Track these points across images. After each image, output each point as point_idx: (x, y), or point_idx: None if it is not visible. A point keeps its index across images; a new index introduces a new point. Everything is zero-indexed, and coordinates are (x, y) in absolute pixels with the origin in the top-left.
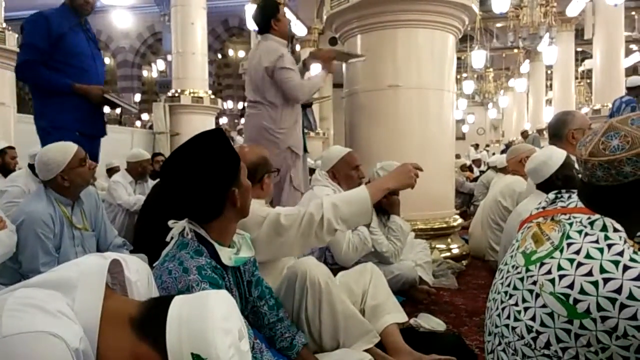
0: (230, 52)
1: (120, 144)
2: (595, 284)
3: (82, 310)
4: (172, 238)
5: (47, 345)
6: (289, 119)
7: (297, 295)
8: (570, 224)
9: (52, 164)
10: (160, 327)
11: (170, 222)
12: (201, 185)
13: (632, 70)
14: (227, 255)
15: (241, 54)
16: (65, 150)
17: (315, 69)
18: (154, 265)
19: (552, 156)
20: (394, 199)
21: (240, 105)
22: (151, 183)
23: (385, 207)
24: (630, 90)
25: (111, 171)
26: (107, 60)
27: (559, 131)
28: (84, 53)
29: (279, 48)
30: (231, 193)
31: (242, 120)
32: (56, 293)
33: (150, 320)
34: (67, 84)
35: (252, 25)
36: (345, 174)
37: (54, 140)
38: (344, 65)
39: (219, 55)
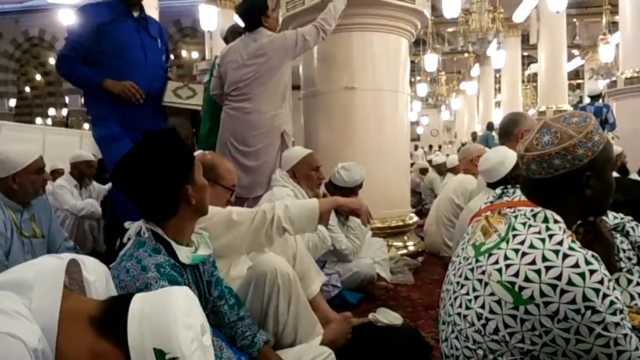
0: (184, 53)
1: (68, 147)
2: (538, 272)
3: (40, 310)
4: (129, 239)
5: (5, 346)
6: (287, 106)
7: (267, 291)
8: (515, 217)
9: (9, 163)
10: (121, 324)
11: (126, 224)
12: (152, 184)
13: (573, 74)
14: (184, 254)
15: (195, 54)
16: (27, 153)
17: None
18: (111, 265)
19: (508, 157)
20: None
21: None
22: (97, 186)
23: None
24: (592, 98)
25: (54, 173)
26: (52, 61)
27: (510, 130)
28: (130, 43)
29: (285, 34)
30: (185, 191)
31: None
32: (11, 294)
33: (111, 317)
34: (96, 81)
35: (206, 26)
36: (305, 174)
37: (101, 131)
38: (300, 67)
39: (172, 56)
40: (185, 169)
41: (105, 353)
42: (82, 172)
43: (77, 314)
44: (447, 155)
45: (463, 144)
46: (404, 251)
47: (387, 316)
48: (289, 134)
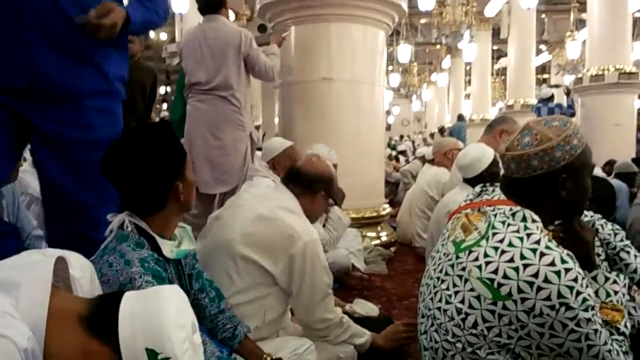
0: (152, 34)
1: None
2: (516, 269)
3: (28, 309)
4: (111, 231)
5: None
6: (248, 104)
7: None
8: (495, 215)
9: None
10: (112, 323)
11: (108, 216)
12: (144, 177)
13: (540, 69)
14: (168, 248)
15: (163, 36)
16: None
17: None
18: (92, 258)
19: (485, 154)
20: (338, 189)
21: (162, 89)
22: None
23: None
24: (545, 101)
25: None
26: None
27: (493, 126)
28: None
29: (240, 29)
30: (175, 187)
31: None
32: None
33: (101, 316)
34: None
35: (177, 8)
36: (285, 166)
37: None
38: None
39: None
40: (177, 164)
41: (97, 352)
42: None
43: (66, 313)
44: (418, 144)
45: (431, 135)
46: (377, 241)
47: (363, 307)
48: (255, 137)
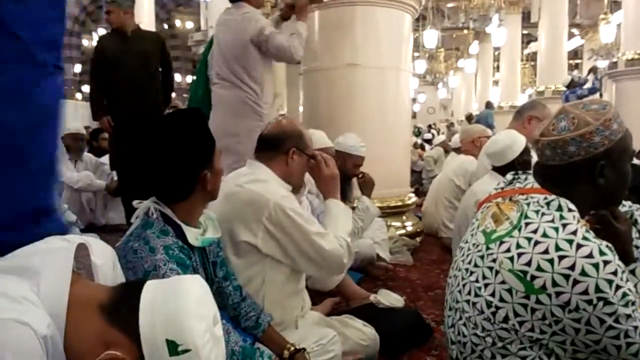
0: (178, 23)
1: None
2: (551, 261)
3: (48, 296)
4: (136, 218)
5: (14, 333)
6: (270, 94)
7: None
8: (528, 204)
9: None
10: (133, 313)
11: (135, 202)
12: (173, 164)
13: (572, 54)
14: (193, 236)
15: (189, 24)
16: None
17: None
18: (117, 245)
19: (517, 141)
20: (369, 179)
21: (188, 78)
22: (91, 158)
23: (360, 186)
24: (568, 87)
25: None
26: None
27: (522, 112)
28: None
29: (257, 17)
30: (203, 175)
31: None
32: (19, 279)
33: (122, 306)
34: None
35: None
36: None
37: None
38: None
39: (166, 26)
40: (207, 153)
41: (116, 342)
42: (67, 146)
43: (86, 301)
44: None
45: (450, 124)
46: (403, 231)
47: (388, 298)
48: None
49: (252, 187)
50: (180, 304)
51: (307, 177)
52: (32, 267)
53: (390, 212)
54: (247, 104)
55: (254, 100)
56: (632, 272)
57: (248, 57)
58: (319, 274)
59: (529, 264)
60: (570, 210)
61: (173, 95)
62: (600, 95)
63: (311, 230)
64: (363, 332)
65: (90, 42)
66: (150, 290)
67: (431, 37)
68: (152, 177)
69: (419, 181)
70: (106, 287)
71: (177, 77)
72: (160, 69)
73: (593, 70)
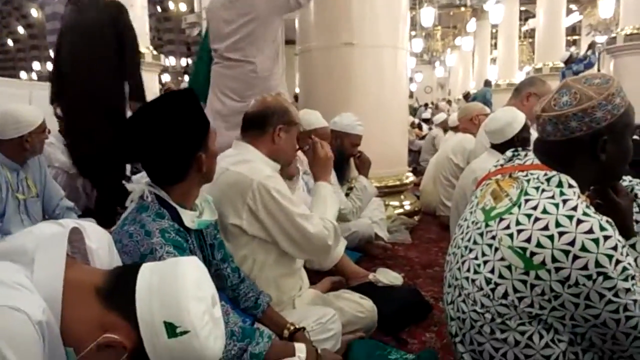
0: (171, 5)
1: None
2: (551, 237)
3: (43, 281)
4: (131, 201)
5: (8, 319)
6: (279, 66)
7: None
8: (528, 181)
9: (24, 123)
10: (130, 296)
11: (129, 186)
12: (168, 146)
13: (570, 30)
14: (189, 218)
15: (182, 7)
16: (37, 113)
17: None
18: (112, 229)
19: (517, 118)
20: (365, 158)
21: (183, 61)
22: None
23: (356, 166)
24: (566, 64)
25: None
26: (34, 13)
27: (520, 88)
28: None
29: None
30: (198, 157)
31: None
32: (13, 265)
33: (119, 289)
34: None
35: None
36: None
37: None
38: (296, 20)
39: (159, 9)
40: (200, 134)
41: (114, 325)
42: (61, 130)
43: (82, 285)
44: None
45: (448, 101)
46: (401, 210)
47: (387, 276)
48: (285, 95)
49: (237, 169)
50: (177, 285)
51: (303, 157)
52: (26, 253)
53: (388, 192)
54: (252, 78)
55: (257, 75)
56: (633, 246)
57: (276, 37)
58: (302, 256)
59: (528, 240)
60: (570, 186)
61: (168, 78)
62: (598, 70)
63: (295, 212)
64: (360, 304)
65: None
66: (147, 273)
67: (428, 15)
68: (147, 160)
69: (416, 161)
70: (102, 270)
71: (172, 60)
72: (116, 48)
73: (591, 45)
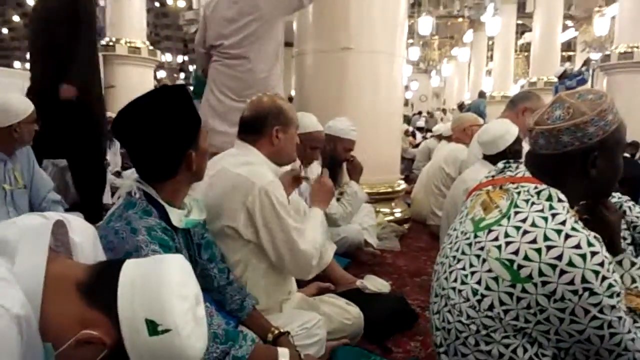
0: (169, 1)
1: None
2: (538, 251)
3: (24, 273)
4: (119, 197)
5: None
6: (279, 66)
7: None
8: (518, 193)
9: (12, 112)
10: (111, 292)
11: (117, 181)
12: (158, 143)
13: (565, 46)
14: (177, 217)
15: (181, 3)
16: (27, 102)
17: None
18: (98, 225)
19: (510, 130)
20: (357, 164)
21: (179, 58)
22: None
23: (348, 171)
24: (559, 79)
25: None
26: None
27: (515, 102)
28: None
29: None
30: (188, 155)
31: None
32: None
33: (100, 284)
34: None
35: None
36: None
37: None
38: (294, 23)
39: (157, 4)
40: (192, 132)
41: (94, 321)
42: None
43: (64, 279)
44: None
45: (430, 113)
46: (391, 218)
47: (374, 283)
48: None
49: (239, 170)
50: (161, 282)
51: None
52: (7, 243)
53: (379, 199)
54: (251, 77)
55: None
56: (619, 263)
57: (278, 38)
58: (282, 268)
59: (516, 253)
60: (560, 200)
61: (164, 75)
62: (592, 87)
63: (291, 225)
64: (347, 311)
65: None
66: (130, 269)
67: (426, 24)
68: (137, 156)
69: (408, 169)
70: (85, 265)
71: (168, 57)
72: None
73: (586, 62)
